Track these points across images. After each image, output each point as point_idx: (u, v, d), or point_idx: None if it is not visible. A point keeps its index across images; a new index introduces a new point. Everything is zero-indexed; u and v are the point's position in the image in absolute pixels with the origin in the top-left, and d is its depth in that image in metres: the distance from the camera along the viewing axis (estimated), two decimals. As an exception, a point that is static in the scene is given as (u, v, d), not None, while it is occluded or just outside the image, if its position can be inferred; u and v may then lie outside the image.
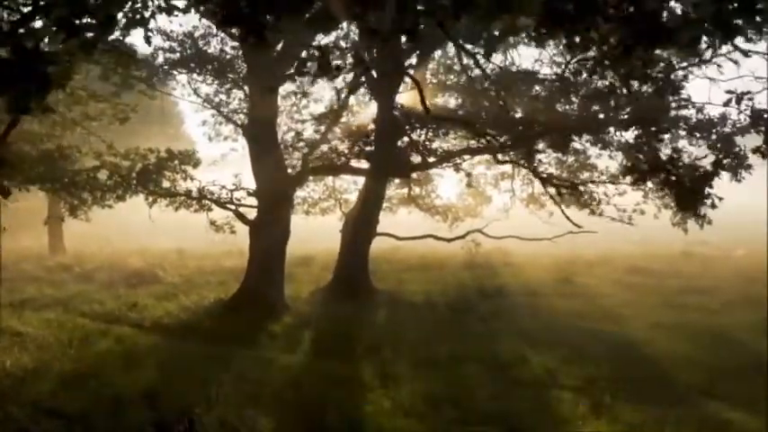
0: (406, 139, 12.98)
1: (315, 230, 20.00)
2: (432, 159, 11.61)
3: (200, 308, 12.56)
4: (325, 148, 12.40)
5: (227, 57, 12.85)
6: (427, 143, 11.59)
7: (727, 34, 3.86)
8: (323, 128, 12.57)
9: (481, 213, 21.17)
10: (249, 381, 7.68)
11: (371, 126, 12.96)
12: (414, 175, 18.25)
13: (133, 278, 15.81)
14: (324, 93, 16.56)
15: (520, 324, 11.64)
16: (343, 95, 12.36)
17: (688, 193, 5.15)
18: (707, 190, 5.10)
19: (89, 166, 13.46)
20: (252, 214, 13.07)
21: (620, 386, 7.98)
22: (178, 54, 13.26)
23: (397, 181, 19.59)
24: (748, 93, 6.69)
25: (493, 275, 17.58)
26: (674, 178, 5.43)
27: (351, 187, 18.50)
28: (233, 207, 12.56)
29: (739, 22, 3.71)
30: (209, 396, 6.90)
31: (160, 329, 11.00)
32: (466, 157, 13.22)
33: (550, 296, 14.60)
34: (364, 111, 13.68)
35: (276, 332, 10.83)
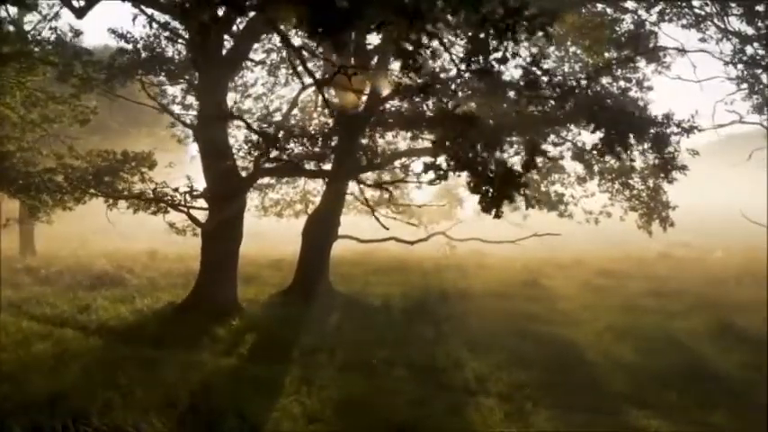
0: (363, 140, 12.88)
1: (294, 232, 19.93)
2: (377, 161, 11.53)
3: (151, 311, 12.49)
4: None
5: (179, 58, 12.81)
6: (373, 144, 11.52)
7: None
8: (272, 129, 12.51)
9: (455, 215, 21.12)
10: (166, 385, 7.58)
11: (328, 127, 12.86)
12: (387, 177, 18.17)
13: (97, 280, 15.75)
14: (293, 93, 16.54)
15: (469, 327, 11.48)
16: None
17: (492, 193, 4.95)
18: (523, 190, 4.86)
19: (44, 168, 13.44)
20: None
21: (546, 392, 7.85)
22: (134, 56, 13.21)
23: (369, 182, 19.55)
24: (576, 88, 6.53)
25: (462, 278, 17.43)
26: (481, 177, 5.24)
27: (323, 189, 18.46)
28: (185, 209, 12.46)
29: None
30: (114, 400, 6.84)
31: (104, 332, 10.91)
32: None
33: (513, 299, 14.43)
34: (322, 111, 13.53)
35: (220, 335, 10.72)
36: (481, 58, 4.86)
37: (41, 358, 8.93)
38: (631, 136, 7.87)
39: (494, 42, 4.59)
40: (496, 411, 7.13)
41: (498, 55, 4.83)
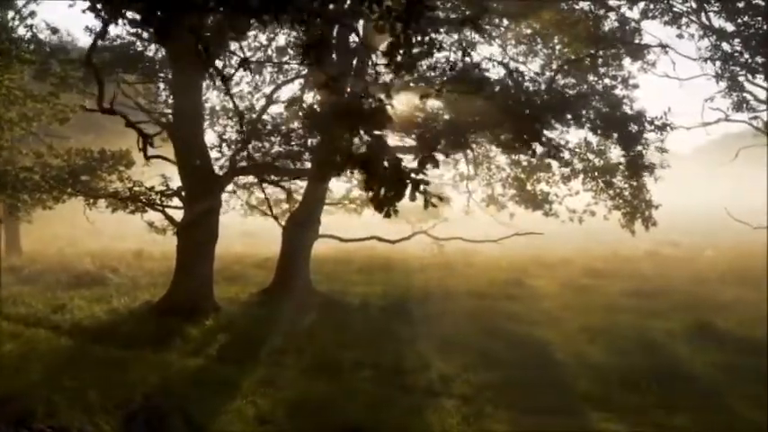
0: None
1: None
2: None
3: (127, 310, 12.43)
4: (250, 147, 12.21)
5: (155, 57, 12.76)
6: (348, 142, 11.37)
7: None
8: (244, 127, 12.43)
9: (442, 214, 20.99)
10: (124, 385, 7.51)
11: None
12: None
13: (78, 280, 15.70)
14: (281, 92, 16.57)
15: (445, 327, 11.35)
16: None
17: (385, 191, 4.75)
18: (423, 188, 4.64)
19: (22, 167, 13.41)
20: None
21: (510, 394, 7.74)
22: (111, 54, 13.17)
23: (354, 182, 19.45)
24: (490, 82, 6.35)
25: (446, 276, 17.32)
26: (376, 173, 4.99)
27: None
28: (160, 208, 12.41)
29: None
30: (65, 401, 6.76)
31: (77, 332, 10.85)
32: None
33: (495, 298, 14.29)
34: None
35: (192, 335, 10.64)
36: (402, 51, 4.74)
37: (6, 358, 8.87)
38: (539, 129, 7.70)
39: (413, 37, 4.46)
40: (454, 414, 7.02)
41: (419, 49, 4.72)
